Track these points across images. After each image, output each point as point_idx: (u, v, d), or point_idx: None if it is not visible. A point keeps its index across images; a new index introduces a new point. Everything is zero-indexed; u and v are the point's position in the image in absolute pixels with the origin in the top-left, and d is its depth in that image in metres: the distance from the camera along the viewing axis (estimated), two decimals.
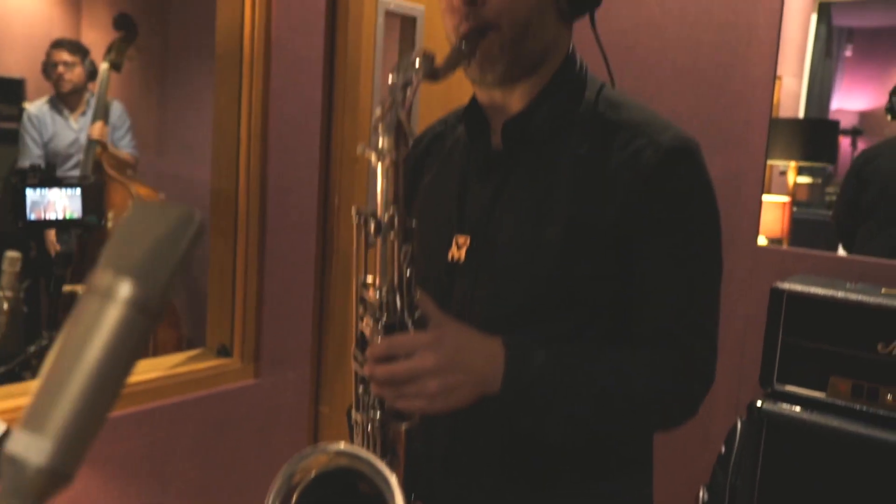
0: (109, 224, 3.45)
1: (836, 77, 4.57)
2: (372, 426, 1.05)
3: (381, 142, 0.98)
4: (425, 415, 1.02)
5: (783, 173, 3.99)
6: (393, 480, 0.94)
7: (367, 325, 1.02)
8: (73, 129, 3.80)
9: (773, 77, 2.79)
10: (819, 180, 4.50)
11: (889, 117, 3.42)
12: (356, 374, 1.06)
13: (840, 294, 2.30)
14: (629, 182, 1.08)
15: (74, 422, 0.57)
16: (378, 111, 0.99)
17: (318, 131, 2.34)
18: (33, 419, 0.57)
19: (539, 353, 1.05)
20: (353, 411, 1.07)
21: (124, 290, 0.59)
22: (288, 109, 2.25)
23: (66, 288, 3.21)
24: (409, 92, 0.99)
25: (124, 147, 3.88)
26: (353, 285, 1.05)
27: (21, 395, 1.86)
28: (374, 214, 1.00)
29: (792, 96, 4.21)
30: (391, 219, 0.99)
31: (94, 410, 0.58)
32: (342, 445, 0.99)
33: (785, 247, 3.19)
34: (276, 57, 2.21)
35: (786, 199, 3.57)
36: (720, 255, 1.16)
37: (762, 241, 3.26)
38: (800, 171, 4.05)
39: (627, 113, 1.14)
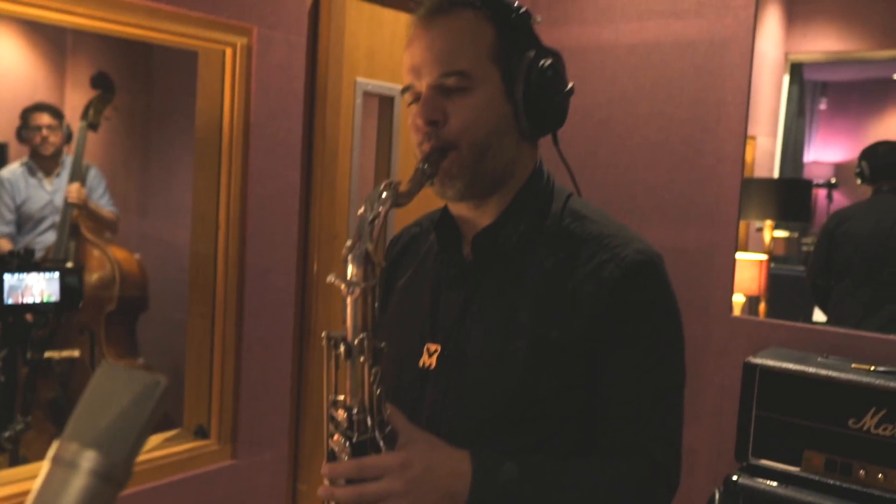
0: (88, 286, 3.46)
1: (811, 130, 4.66)
2: None
3: (351, 272, 1.02)
4: None
5: (759, 230, 4.06)
6: None
7: (336, 443, 1.04)
8: (47, 192, 3.81)
9: (743, 152, 2.86)
10: (796, 234, 4.58)
11: (859, 181, 3.50)
12: (325, 488, 1.06)
13: (811, 369, 2.34)
14: (593, 295, 1.11)
15: None
16: (348, 243, 1.03)
17: (296, 211, 2.38)
18: None
19: (505, 467, 1.06)
20: None
21: (88, 461, 0.62)
22: (266, 191, 2.29)
23: (47, 355, 3.20)
24: (376, 224, 1.03)
25: (104, 206, 3.88)
26: (324, 405, 1.07)
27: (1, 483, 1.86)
28: (344, 339, 1.03)
29: (767, 155, 4.30)
30: (360, 343, 1.02)
31: None
32: None
33: (760, 318, 3.24)
34: (255, 140, 2.25)
35: (763, 256, 3.63)
36: (682, 364, 1.19)
37: (740, 298, 3.31)
38: (776, 225, 4.11)
39: (592, 226, 1.17)
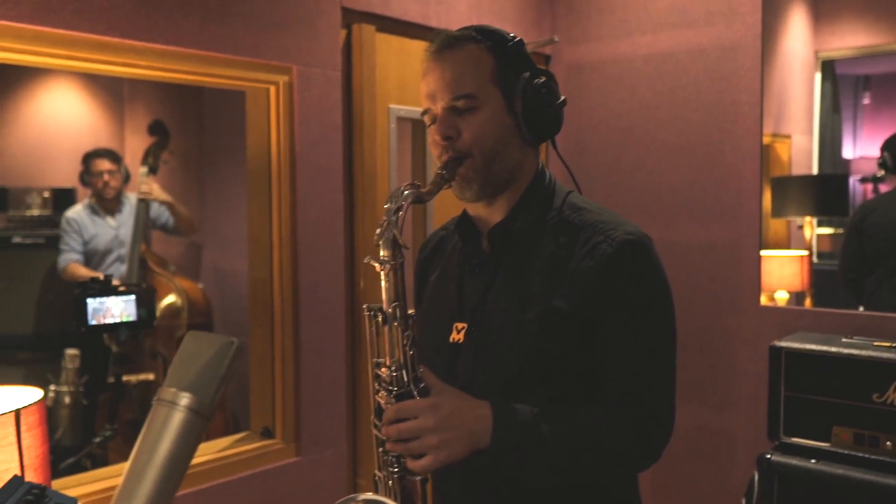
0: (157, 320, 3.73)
1: (855, 125, 4.66)
2: (392, 480, 1.28)
3: (382, 253, 1.26)
4: (434, 468, 1.25)
5: (801, 227, 4.13)
6: None
7: (381, 397, 1.27)
8: (112, 228, 4.10)
9: (761, 149, 3.01)
10: (841, 230, 4.61)
11: (882, 172, 3.58)
12: (376, 437, 1.30)
13: (833, 349, 2.47)
14: (589, 270, 1.32)
15: (154, 500, 0.80)
16: (378, 230, 1.27)
17: (341, 231, 2.61)
18: (123, 498, 0.81)
19: (521, 413, 1.27)
20: (376, 469, 1.31)
21: (184, 400, 0.84)
22: (313, 214, 2.52)
23: (125, 378, 3.48)
24: (400, 215, 1.27)
25: (168, 219, 4.19)
26: (369, 366, 1.30)
27: (90, 481, 2.10)
28: (381, 308, 1.27)
29: (804, 153, 4.35)
30: (394, 311, 1.25)
31: (168, 490, 0.81)
32: (369, 495, 1.20)
33: (785, 305, 3.35)
34: (301, 167, 2.49)
35: (804, 252, 3.69)
36: (672, 327, 1.38)
37: (783, 295, 3.41)
38: (819, 223, 4.17)
39: (588, 215, 1.39)
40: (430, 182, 1.33)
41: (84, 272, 3.91)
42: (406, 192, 1.28)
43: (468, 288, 1.44)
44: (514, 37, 1.41)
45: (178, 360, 0.86)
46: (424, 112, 1.39)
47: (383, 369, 1.27)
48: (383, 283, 1.26)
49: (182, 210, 4.18)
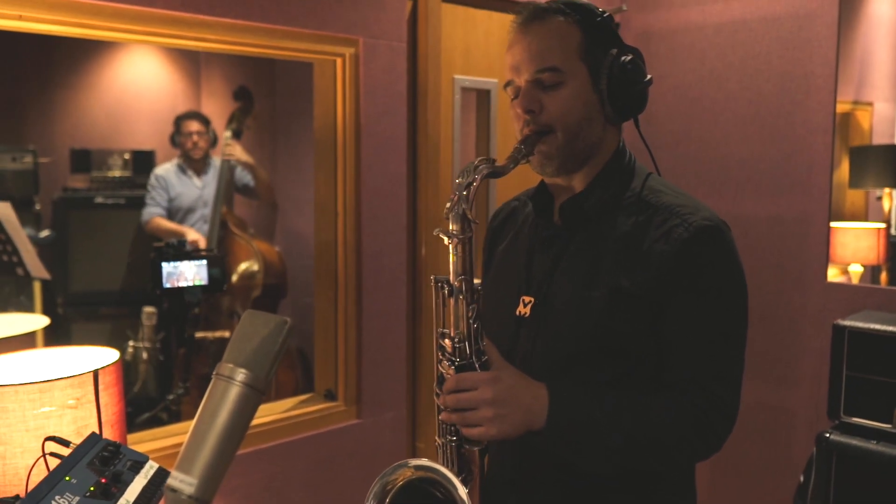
0: (234, 279, 3.88)
1: None
2: (450, 448, 1.31)
3: (451, 227, 1.28)
4: (491, 440, 1.28)
5: (879, 198, 4.01)
6: (460, 488, 1.19)
7: (443, 367, 1.30)
8: (197, 188, 4.26)
9: (833, 122, 2.93)
10: None
11: None
12: (437, 406, 1.33)
13: None
14: (663, 253, 1.30)
15: (212, 465, 0.87)
16: (448, 204, 1.29)
17: (404, 201, 2.66)
18: (185, 463, 0.88)
19: (578, 396, 1.28)
20: (437, 436, 1.35)
21: (240, 375, 0.90)
22: (377, 183, 2.58)
23: (198, 335, 3.64)
24: (471, 189, 1.28)
25: (249, 181, 4.34)
26: (434, 336, 1.33)
27: (164, 436, 2.23)
28: (448, 281, 1.29)
29: (886, 122, 4.21)
30: (460, 284, 1.28)
31: (225, 456, 0.89)
32: (423, 461, 1.25)
33: (855, 282, 3.27)
34: (366, 138, 2.54)
35: (881, 225, 3.58)
36: (744, 316, 1.35)
37: (857, 268, 3.34)
38: None
39: (666, 197, 1.36)
40: (507, 157, 1.33)
41: (167, 225, 4.08)
42: (480, 167, 1.29)
43: (537, 261, 1.43)
44: (604, 12, 1.38)
45: (236, 337, 0.93)
46: (508, 84, 1.38)
47: (447, 340, 1.29)
48: (451, 257, 1.28)
49: (262, 173, 4.31)
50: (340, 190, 2.55)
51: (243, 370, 0.90)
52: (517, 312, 1.41)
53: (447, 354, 1.29)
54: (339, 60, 2.50)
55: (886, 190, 3.91)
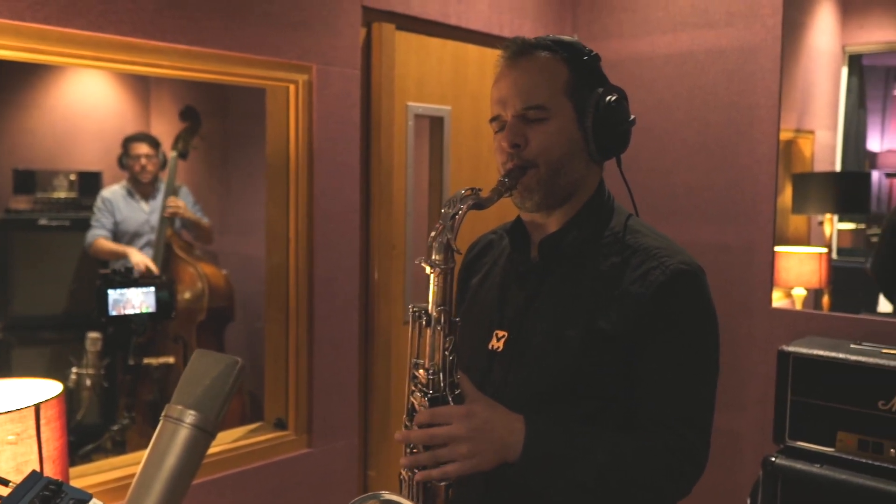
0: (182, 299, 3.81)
1: (883, 118, 4.58)
2: (416, 483, 1.28)
3: (435, 257, 1.27)
4: (458, 477, 1.25)
5: (821, 223, 4.11)
6: None
7: (416, 398, 1.28)
8: (144, 212, 4.18)
9: (777, 152, 3.01)
10: (862, 225, 4.57)
11: None
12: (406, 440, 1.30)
13: (841, 355, 2.48)
14: (639, 295, 1.30)
15: None
16: (433, 234, 1.28)
17: (357, 226, 2.66)
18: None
19: (553, 428, 1.28)
20: (402, 469, 1.31)
21: (190, 417, 0.89)
22: (331, 208, 2.57)
23: (145, 361, 3.57)
24: (456, 220, 1.28)
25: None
26: (408, 366, 1.31)
27: (108, 469, 2.18)
28: (426, 311, 1.28)
29: (827, 149, 4.32)
30: (439, 315, 1.27)
31: (173, 501, 0.87)
32: (390, 495, 1.22)
33: (809, 308, 3.35)
34: (319, 163, 2.54)
35: (823, 250, 3.67)
36: (717, 361, 1.37)
37: (800, 292, 3.41)
38: (840, 218, 4.14)
39: (645, 239, 1.37)
40: (490, 189, 1.33)
41: (110, 246, 3.99)
42: (467, 198, 1.29)
43: (512, 296, 1.43)
44: (591, 51, 1.40)
45: (185, 378, 0.91)
46: (494, 118, 1.38)
47: (421, 371, 1.27)
48: (432, 286, 1.27)
49: (205, 225, 4.24)
50: (293, 215, 2.54)
51: (192, 412, 0.89)
52: (490, 346, 1.41)
53: (420, 386, 1.28)
54: (292, 87, 2.49)
55: (827, 215, 4.02)
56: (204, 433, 0.89)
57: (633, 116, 1.40)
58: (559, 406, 1.33)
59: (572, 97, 1.35)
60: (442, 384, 1.26)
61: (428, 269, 1.27)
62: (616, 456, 1.28)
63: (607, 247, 1.37)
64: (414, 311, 1.29)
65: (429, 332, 1.27)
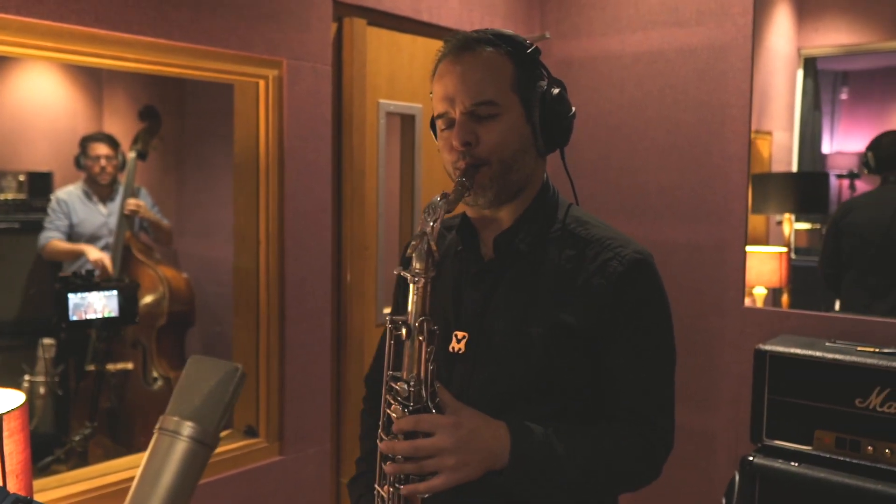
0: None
1: (833, 121, 4.67)
2: (397, 497, 1.24)
3: (416, 266, 1.23)
4: (444, 489, 1.21)
5: (779, 223, 4.15)
6: None
7: (394, 411, 1.24)
8: (102, 215, 4.03)
9: (749, 150, 3.01)
10: (818, 225, 4.64)
11: (866, 171, 3.62)
12: (381, 452, 1.26)
13: (818, 353, 2.48)
14: (601, 287, 1.32)
15: None
16: (413, 242, 1.24)
17: (329, 226, 2.58)
18: None
19: (535, 430, 1.27)
20: (377, 485, 1.28)
21: (187, 430, 0.81)
22: (301, 208, 2.49)
23: (108, 367, 3.44)
24: (435, 227, 1.24)
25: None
26: (384, 378, 1.26)
27: (71, 482, 2.07)
28: (405, 321, 1.23)
29: (784, 150, 4.37)
30: (420, 325, 1.23)
31: None
32: None
33: (771, 307, 3.37)
34: (289, 161, 2.45)
35: (783, 249, 3.72)
36: (673, 344, 1.40)
37: (761, 291, 3.43)
38: (798, 217, 4.19)
39: (594, 230, 1.38)
40: (452, 191, 1.30)
41: (65, 246, 3.85)
42: (441, 203, 1.26)
43: (467, 296, 1.40)
44: (532, 44, 1.38)
45: (181, 387, 0.84)
46: (440, 116, 1.35)
47: (401, 384, 1.23)
48: (412, 296, 1.23)
49: (165, 226, 4.12)
50: (263, 216, 2.45)
51: (190, 423, 0.81)
52: (450, 348, 1.38)
53: (400, 399, 1.23)
54: (261, 82, 2.41)
55: (786, 215, 4.07)
56: (203, 446, 0.82)
57: (573, 109, 1.40)
58: (524, 405, 1.32)
59: (519, 92, 1.34)
60: (424, 395, 1.23)
61: (410, 279, 1.23)
62: (597, 449, 1.30)
63: (560, 240, 1.38)
64: (392, 324, 1.25)
65: (408, 343, 1.23)
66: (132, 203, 3.87)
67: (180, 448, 0.81)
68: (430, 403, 1.23)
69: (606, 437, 1.32)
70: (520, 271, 1.37)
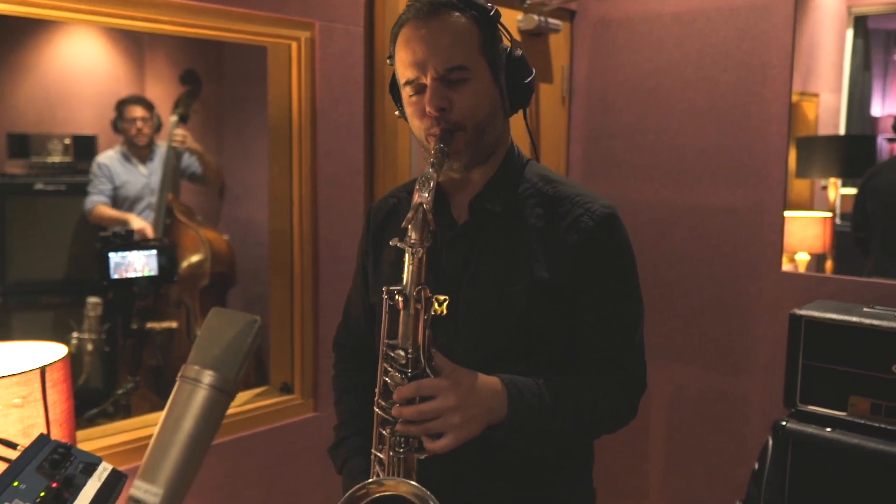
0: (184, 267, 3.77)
1: (884, 82, 4.55)
2: (397, 459, 1.28)
3: (412, 236, 1.25)
4: (452, 448, 1.24)
5: (824, 188, 4.07)
6: None
7: (393, 378, 1.26)
8: (143, 176, 4.12)
9: (790, 112, 2.95)
10: None
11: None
12: (378, 418, 1.29)
13: (854, 318, 2.45)
14: (573, 243, 1.38)
15: (178, 474, 0.81)
16: (409, 214, 1.26)
17: (361, 188, 2.60)
18: (149, 472, 0.82)
19: (528, 383, 1.33)
20: (374, 450, 1.31)
21: (207, 378, 0.84)
22: (334, 170, 2.51)
23: (149, 326, 3.54)
24: (430, 194, 1.26)
25: (196, 169, 4.20)
26: (381, 347, 1.29)
27: (114, 433, 2.14)
28: (402, 290, 1.26)
29: (831, 112, 4.27)
30: (418, 293, 1.25)
31: (192, 464, 0.83)
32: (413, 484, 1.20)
33: (802, 270, 3.32)
34: (322, 124, 2.47)
35: (827, 214, 3.65)
36: (640, 293, 1.47)
37: (804, 256, 3.38)
38: (844, 183, 4.11)
39: (562, 188, 1.44)
40: (434, 159, 1.32)
41: (111, 213, 3.94)
42: (431, 172, 1.28)
43: (444, 259, 1.43)
44: (492, 6, 1.40)
45: (202, 337, 0.87)
46: (408, 82, 1.36)
47: (399, 351, 1.25)
48: (409, 266, 1.25)
49: (211, 159, 4.20)
50: (296, 178, 2.48)
51: (210, 372, 0.84)
52: (432, 312, 1.39)
53: (398, 366, 1.26)
54: (294, 44, 2.42)
55: (832, 180, 3.98)
56: (223, 394, 0.85)
57: (534, 70, 1.43)
58: (507, 362, 1.36)
59: (485, 55, 1.36)
60: (422, 362, 1.25)
61: (408, 250, 1.25)
62: (582, 397, 1.37)
63: (530, 198, 1.43)
64: (388, 293, 1.27)
65: (404, 312, 1.25)
66: (179, 134, 3.96)
67: (200, 395, 0.84)
68: (427, 368, 1.26)
69: (587, 384, 1.39)
70: (495, 232, 1.41)
